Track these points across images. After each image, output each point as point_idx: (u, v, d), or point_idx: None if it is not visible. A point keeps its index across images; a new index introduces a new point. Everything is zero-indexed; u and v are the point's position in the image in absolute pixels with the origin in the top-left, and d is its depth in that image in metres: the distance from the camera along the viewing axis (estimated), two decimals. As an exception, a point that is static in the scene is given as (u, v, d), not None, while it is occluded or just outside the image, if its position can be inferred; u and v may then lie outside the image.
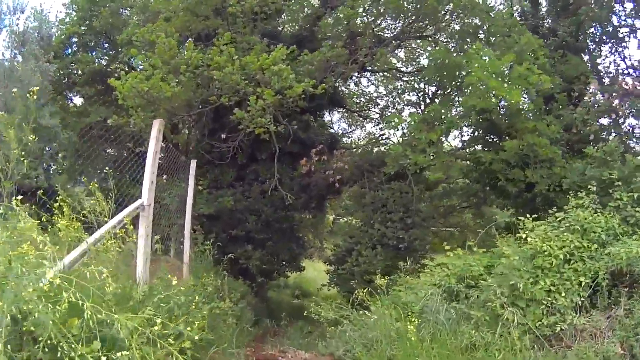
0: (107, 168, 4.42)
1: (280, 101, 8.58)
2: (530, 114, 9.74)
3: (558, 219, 5.78)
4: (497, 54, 9.22)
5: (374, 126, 18.31)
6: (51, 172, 16.58)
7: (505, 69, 8.79)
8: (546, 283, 4.85)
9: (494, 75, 8.61)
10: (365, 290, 5.86)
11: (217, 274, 7.62)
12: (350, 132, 19.42)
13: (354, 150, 15.08)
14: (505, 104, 9.46)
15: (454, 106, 9.29)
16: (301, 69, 9.10)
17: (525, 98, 9.19)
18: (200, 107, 9.85)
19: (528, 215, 5.80)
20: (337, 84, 16.50)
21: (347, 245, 11.57)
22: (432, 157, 8.89)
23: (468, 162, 12.25)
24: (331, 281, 13.21)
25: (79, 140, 13.53)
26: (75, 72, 14.86)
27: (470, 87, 8.75)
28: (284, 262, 13.49)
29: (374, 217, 10.86)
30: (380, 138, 15.36)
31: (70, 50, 14.93)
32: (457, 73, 9.42)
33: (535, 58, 9.80)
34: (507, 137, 10.45)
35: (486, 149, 10.29)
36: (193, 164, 8.58)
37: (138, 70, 9.06)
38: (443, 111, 8.50)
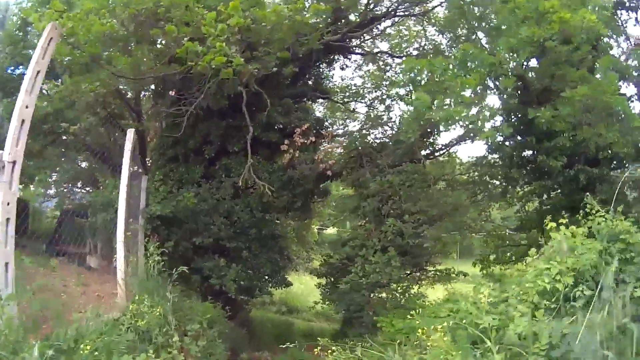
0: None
1: (251, 34, 6.11)
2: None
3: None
4: None
5: (360, 123, 16.10)
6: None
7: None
8: None
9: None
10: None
11: (164, 298, 5.01)
12: (336, 129, 17.15)
13: (346, 137, 12.58)
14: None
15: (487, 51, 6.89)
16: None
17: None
18: (158, 71, 7.34)
19: None
20: (321, 69, 14.34)
21: (348, 252, 8.94)
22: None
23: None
24: (325, 297, 10.77)
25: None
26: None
27: (515, 16, 6.38)
28: (266, 277, 10.92)
29: (383, 210, 8.25)
30: (380, 118, 12.88)
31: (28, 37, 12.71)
32: (485, 12, 7.10)
33: None
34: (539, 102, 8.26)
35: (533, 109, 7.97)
36: (130, 134, 6.01)
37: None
38: (474, 51, 6.09)
